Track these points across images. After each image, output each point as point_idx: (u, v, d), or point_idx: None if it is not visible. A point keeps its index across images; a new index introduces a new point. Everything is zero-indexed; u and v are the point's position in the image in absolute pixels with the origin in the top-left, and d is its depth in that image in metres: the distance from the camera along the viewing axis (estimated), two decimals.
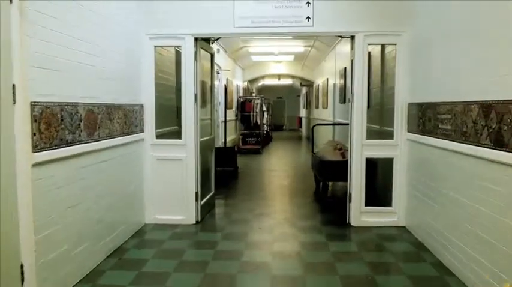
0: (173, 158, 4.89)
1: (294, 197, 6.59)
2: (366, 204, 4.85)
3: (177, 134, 5.07)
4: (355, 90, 4.75)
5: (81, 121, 3.35)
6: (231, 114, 13.27)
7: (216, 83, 10.51)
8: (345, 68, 9.10)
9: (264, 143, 14.24)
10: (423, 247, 4.11)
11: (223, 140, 11.42)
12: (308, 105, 20.49)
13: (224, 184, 7.58)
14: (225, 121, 10.10)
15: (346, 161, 6.22)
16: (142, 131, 4.79)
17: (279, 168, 9.92)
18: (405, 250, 4.12)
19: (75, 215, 3.30)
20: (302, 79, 18.54)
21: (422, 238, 4.28)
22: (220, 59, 11.11)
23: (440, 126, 3.78)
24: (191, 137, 4.87)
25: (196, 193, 4.97)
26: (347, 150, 6.41)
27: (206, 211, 5.41)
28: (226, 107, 9.76)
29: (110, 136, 3.91)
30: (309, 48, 12.79)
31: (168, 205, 4.94)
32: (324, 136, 13.11)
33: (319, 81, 15.03)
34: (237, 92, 14.99)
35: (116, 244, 4.09)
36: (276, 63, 16.95)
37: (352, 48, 4.85)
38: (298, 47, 12.66)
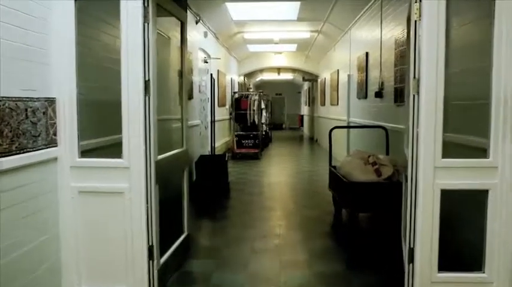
0: (108, 190, 2.87)
1: (308, 233, 4.55)
2: (441, 268, 2.83)
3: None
4: (423, 74, 2.70)
5: None
6: (224, 112, 11.23)
7: (205, 77, 8.45)
8: (367, 53, 7.08)
9: (262, 146, 12.23)
10: None
11: (215, 146, 9.37)
12: (311, 102, 18.47)
13: (209, 209, 5.57)
14: (213, 121, 8.06)
15: (388, 183, 4.22)
16: (52, 144, 2.76)
17: (282, 180, 7.89)
18: None
19: None
20: (305, 73, 16.51)
21: None
22: (209, 45, 9.07)
23: None
24: (138, 155, 2.84)
25: (150, 248, 2.94)
26: (384, 165, 4.39)
27: (172, 270, 3.39)
28: (215, 103, 7.71)
29: None
30: (316, 34, 10.76)
31: (102, 269, 2.93)
32: (335, 140, 10.76)
33: (326, 75, 13.00)
34: (232, 87, 12.95)
35: None
36: (275, 54, 14.92)
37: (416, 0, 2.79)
38: (303, 32, 10.63)
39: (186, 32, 3.75)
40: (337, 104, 10.46)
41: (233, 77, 13.45)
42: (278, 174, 8.55)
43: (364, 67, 7.18)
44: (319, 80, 15.28)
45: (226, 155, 7.11)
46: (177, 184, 3.73)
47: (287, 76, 21.34)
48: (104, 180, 2.87)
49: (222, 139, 11.01)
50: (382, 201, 4.29)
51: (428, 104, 2.69)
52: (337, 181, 4.73)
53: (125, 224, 2.88)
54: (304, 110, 23.11)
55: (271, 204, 5.85)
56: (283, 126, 27.46)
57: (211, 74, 7.14)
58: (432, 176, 2.73)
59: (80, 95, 2.88)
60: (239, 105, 11.69)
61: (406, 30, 4.71)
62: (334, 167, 5.15)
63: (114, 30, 3.22)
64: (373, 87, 6.65)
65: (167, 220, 3.36)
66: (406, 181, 3.67)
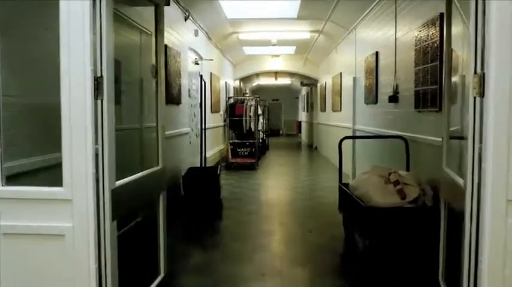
0: (44, 231, 2.05)
1: (315, 269, 3.71)
2: None
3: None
4: (492, 69, 1.89)
5: None
6: (218, 119, 10.42)
7: (196, 81, 7.64)
8: (377, 53, 6.31)
9: (259, 154, 11.41)
10: None
11: (207, 156, 8.55)
12: (310, 108, 17.69)
13: (197, 233, 4.73)
14: (204, 129, 7.23)
15: (415, 207, 3.44)
16: None
17: (282, 195, 7.06)
18: None
19: None
20: (304, 77, 15.74)
21: None
22: (201, 45, 8.28)
23: None
24: (84, 181, 2.00)
25: None
26: (409, 184, 3.60)
27: None
28: (206, 108, 6.89)
29: None
30: (316, 35, 9.99)
31: None
32: (332, 148, 9.81)
33: (326, 79, 12.23)
34: (227, 92, 12.15)
35: None
36: (273, 57, 14.15)
37: None
38: (303, 32, 9.85)
39: (163, 19, 2.94)
40: (340, 110, 9.67)
41: (228, 81, 12.66)
42: (277, 187, 7.73)
43: (374, 69, 6.39)
44: (318, 85, 14.51)
45: (219, 167, 6.29)
46: (149, 214, 2.90)
47: (284, 81, 20.58)
48: (38, 217, 2.04)
49: (216, 147, 10.19)
50: (407, 230, 3.48)
51: (499, 110, 1.88)
52: (351, 203, 3.91)
53: (68, 275, 2.04)
54: (302, 116, 22.34)
55: (270, 227, 5.02)
56: (280, 132, 26.67)
57: (201, 76, 6.35)
58: (504, 212, 1.92)
59: (6, 97, 2.06)
60: (234, 111, 10.87)
61: (430, 23, 3.95)
62: (346, 184, 4.33)
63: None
64: (385, 91, 5.86)
65: (135, 262, 2.54)
66: (445, 207, 2.87)
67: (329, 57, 11.66)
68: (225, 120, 11.14)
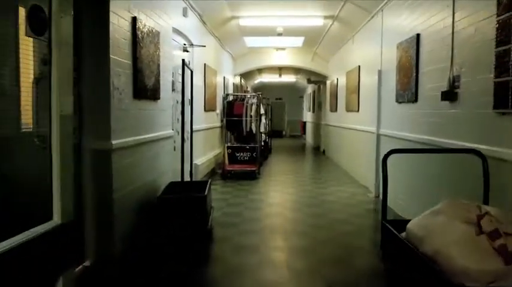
0: None
1: None
2: None
3: None
4: None
5: None
6: (214, 118, 8.92)
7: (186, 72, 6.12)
8: (418, 36, 4.82)
9: (261, 159, 9.91)
10: None
11: (200, 164, 7.05)
12: (317, 107, 16.18)
13: None
14: (191, 133, 5.71)
15: None
16: None
17: (291, 220, 5.52)
18: None
19: None
20: (311, 73, 14.24)
21: None
22: (192, 29, 6.80)
23: None
24: None
25: None
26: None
27: None
28: (190, 105, 5.37)
29: None
30: (331, 22, 8.48)
31: None
32: (347, 154, 8.19)
33: (338, 75, 10.73)
34: (225, 88, 10.65)
35: None
36: (277, 50, 12.65)
37: None
38: (315, 18, 8.34)
39: None
40: (358, 110, 8.17)
41: (227, 76, 11.15)
42: (283, 206, 6.21)
43: (413, 57, 4.89)
44: (328, 82, 13.00)
45: (209, 182, 4.79)
46: None
47: (289, 78, 19.10)
48: None
49: (211, 153, 8.70)
50: None
51: None
52: (412, 261, 2.41)
53: None
54: (308, 116, 20.83)
55: (278, 278, 3.51)
56: (284, 133, 25.16)
57: (183, 61, 4.82)
58: None
59: None
60: (232, 110, 9.37)
61: None
62: (394, 223, 2.83)
63: None
64: (432, 85, 4.36)
65: None
66: None
67: (343, 50, 10.14)
68: (222, 121, 9.64)
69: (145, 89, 4.27)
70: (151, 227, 4.23)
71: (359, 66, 8.15)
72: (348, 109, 9.18)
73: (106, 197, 3.50)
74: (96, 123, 3.49)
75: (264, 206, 6.05)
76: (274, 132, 19.86)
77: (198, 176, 7.23)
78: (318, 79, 14.38)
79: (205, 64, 7.88)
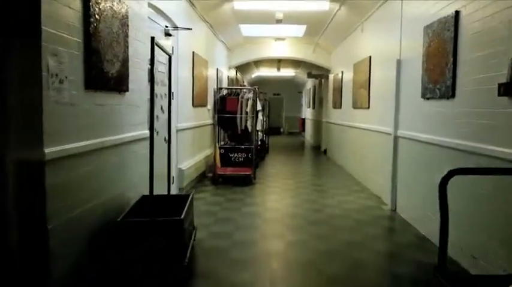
0: None
1: None
2: None
3: None
4: None
5: None
6: (204, 115, 7.89)
7: (166, 62, 5.04)
8: (456, 13, 3.80)
9: (257, 160, 8.90)
10: None
11: (186, 168, 5.99)
12: (318, 103, 15.16)
13: None
14: (169, 133, 4.66)
15: None
16: None
17: (293, 245, 4.51)
18: None
19: None
20: (312, 66, 13.20)
21: None
22: (176, 10, 5.77)
23: None
24: None
25: None
26: None
27: None
28: (175, 98, 4.33)
29: None
30: (337, 7, 7.45)
31: None
32: (355, 157, 6.87)
33: (343, 68, 9.71)
34: (219, 82, 9.62)
35: None
36: (276, 40, 11.60)
37: None
38: (320, 1, 7.30)
39: None
40: (368, 107, 7.16)
41: (221, 68, 10.12)
42: (283, 223, 5.18)
43: (449, 41, 3.88)
44: (331, 76, 11.98)
45: (191, 196, 3.79)
46: None
47: (288, 73, 18.07)
48: None
49: (201, 153, 7.68)
50: None
51: None
52: None
53: None
54: (307, 113, 19.81)
55: None
56: (281, 130, 24.13)
57: (152, 38, 3.74)
58: None
59: None
60: (225, 106, 8.34)
61: None
62: (457, 278, 1.83)
63: None
64: (481, 76, 3.37)
65: None
66: None
67: (350, 39, 9.12)
68: (214, 117, 8.62)
69: (105, 78, 3.24)
70: (107, 264, 3.22)
71: (370, 57, 7.13)
72: (356, 106, 8.16)
73: (37, 227, 2.49)
74: (23, 125, 2.46)
75: (260, 223, 5.03)
76: (272, 129, 18.85)
77: (184, 183, 6.22)
78: (319, 73, 13.35)
79: (193, 52, 6.85)
